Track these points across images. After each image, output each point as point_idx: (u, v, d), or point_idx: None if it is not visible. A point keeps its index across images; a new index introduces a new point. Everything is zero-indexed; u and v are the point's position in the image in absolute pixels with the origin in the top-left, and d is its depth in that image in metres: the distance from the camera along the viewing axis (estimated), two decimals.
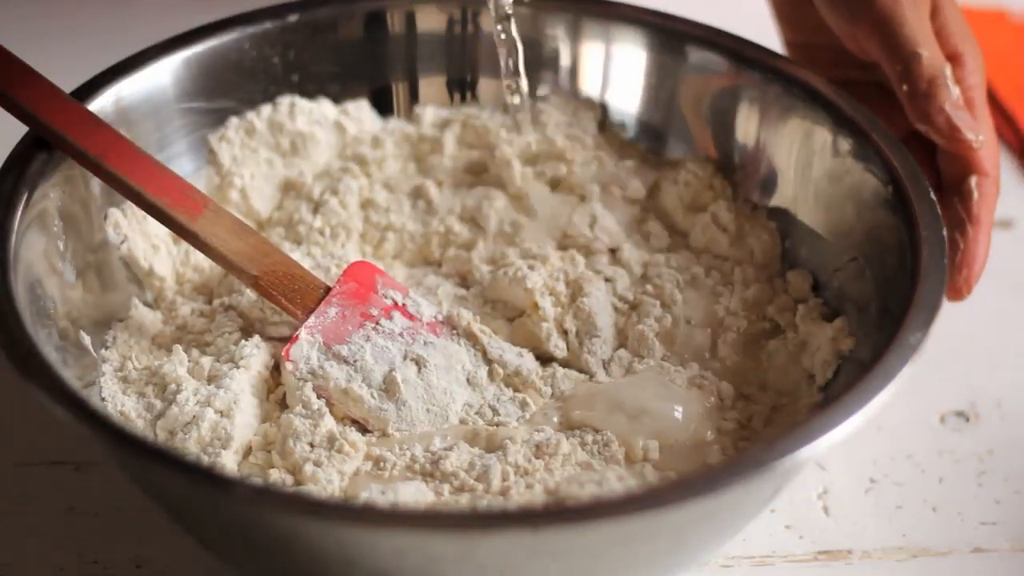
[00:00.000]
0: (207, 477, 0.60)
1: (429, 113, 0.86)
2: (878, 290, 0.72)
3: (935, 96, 0.74)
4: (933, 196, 0.72)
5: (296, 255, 0.79)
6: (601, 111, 0.86)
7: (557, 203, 0.83)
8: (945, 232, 0.70)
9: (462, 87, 0.86)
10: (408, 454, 0.70)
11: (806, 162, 0.79)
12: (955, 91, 0.74)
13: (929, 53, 0.74)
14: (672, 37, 0.83)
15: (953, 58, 0.76)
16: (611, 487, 0.67)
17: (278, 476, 0.69)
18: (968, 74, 0.76)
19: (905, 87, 0.74)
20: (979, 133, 0.74)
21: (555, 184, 0.85)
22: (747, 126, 0.81)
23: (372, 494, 0.67)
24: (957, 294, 0.74)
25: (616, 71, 0.85)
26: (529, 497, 0.67)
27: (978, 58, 0.77)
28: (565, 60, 0.85)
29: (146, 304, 0.77)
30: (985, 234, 0.74)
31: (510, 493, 0.68)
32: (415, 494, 0.67)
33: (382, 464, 0.70)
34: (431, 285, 0.80)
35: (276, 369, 0.74)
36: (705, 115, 0.83)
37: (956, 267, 0.73)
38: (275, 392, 0.73)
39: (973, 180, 0.74)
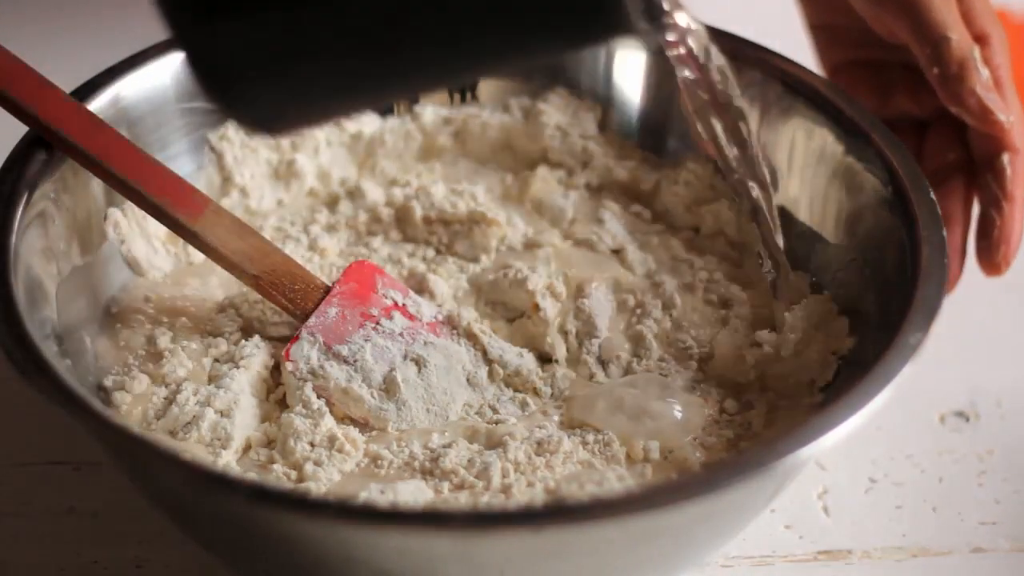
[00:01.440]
0: (208, 477, 0.60)
1: (429, 113, 0.86)
2: (878, 290, 0.72)
3: (966, 79, 0.74)
4: (933, 196, 0.72)
5: (299, 252, 0.79)
6: (601, 111, 0.86)
7: (560, 205, 0.83)
8: (945, 232, 0.70)
9: (462, 87, 0.86)
10: (406, 451, 0.70)
11: (806, 162, 0.79)
12: (984, 73, 0.75)
13: (958, 36, 0.75)
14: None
15: (980, 39, 0.76)
16: (611, 487, 0.67)
17: (280, 470, 0.69)
18: (995, 54, 0.76)
19: (936, 70, 0.75)
20: (1010, 114, 0.75)
21: (558, 185, 0.85)
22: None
23: (371, 493, 0.67)
24: (996, 270, 0.76)
25: (616, 71, 0.85)
26: (530, 496, 0.67)
27: (1003, 38, 0.77)
28: (565, 60, 0.85)
29: (146, 303, 0.77)
30: (1020, 210, 0.75)
31: (511, 491, 0.68)
32: (414, 492, 0.67)
33: (379, 462, 0.70)
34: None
35: (276, 369, 0.74)
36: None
37: (994, 244, 0.75)
38: (275, 392, 0.73)
39: (1006, 157, 0.75)
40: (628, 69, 0.84)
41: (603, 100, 0.85)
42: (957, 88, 0.75)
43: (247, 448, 0.71)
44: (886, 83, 0.80)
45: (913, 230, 0.70)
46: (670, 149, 0.84)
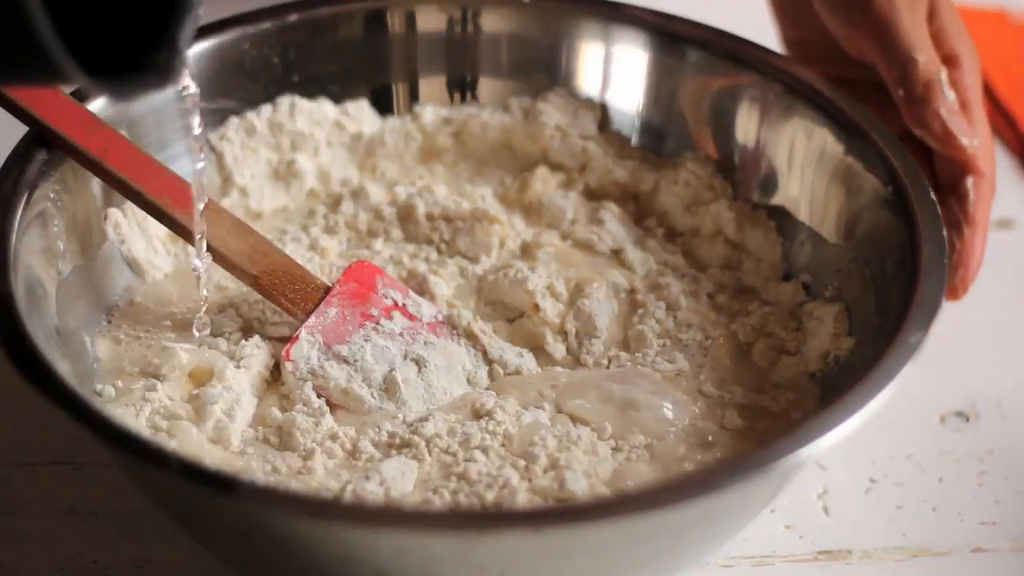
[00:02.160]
0: (207, 477, 0.60)
1: (429, 113, 0.86)
2: (878, 290, 0.72)
3: (931, 101, 0.74)
4: (933, 196, 0.72)
5: (300, 252, 0.79)
6: (601, 111, 0.86)
7: (560, 205, 0.83)
8: (945, 232, 0.70)
9: (462, 87, 0.86)
10: (384, 432, 0.70)
11: (806, 162, 0.79)
12: (950, 96, 0.75)
13: (925, 58, 0.75)
14: (672, 37, 0.83)
15: (950, 60, 0.76)
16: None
17: (283, 465, 0.69)
18: (964, 75, 0.76)
19: (901, 92, 0.75)
20: (974, 137, 0.75)
21: (558, 185, 0.85)
22: (747, 126, 0.81)
23: (356, 483, 0.67)
24: (953, 294, 0.75)
25: (616, 71, 0.85)
26: (509, 458, 0.68)
27: (974, 58, 0.77)
28: (565, 60, 0.85)
29: (146, 303, 0.77)
30: (981, 234, 0.75)
31: (489, 452, 0.68)
32: (398, 467, 0.67)
33: (357, 454, 0.69)
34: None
35: (276, 369, 0.74)
36: (705, 115, 0.83)
37: (952, 267, 0.74)
38: (276, 392, 0.73)
39: (970, 181, 0.75)
40: (628, 69, 0.84)
41: (603, 100, 0.86)
42: (921, 111, 0.75)
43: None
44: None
45: (913, 230, 0.70)
46: (669, 149, 0.84)
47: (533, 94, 0.86)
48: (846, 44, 0.78)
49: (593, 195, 0.84)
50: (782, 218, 0.80)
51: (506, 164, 0.86)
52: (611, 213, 0.83)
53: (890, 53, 0.75)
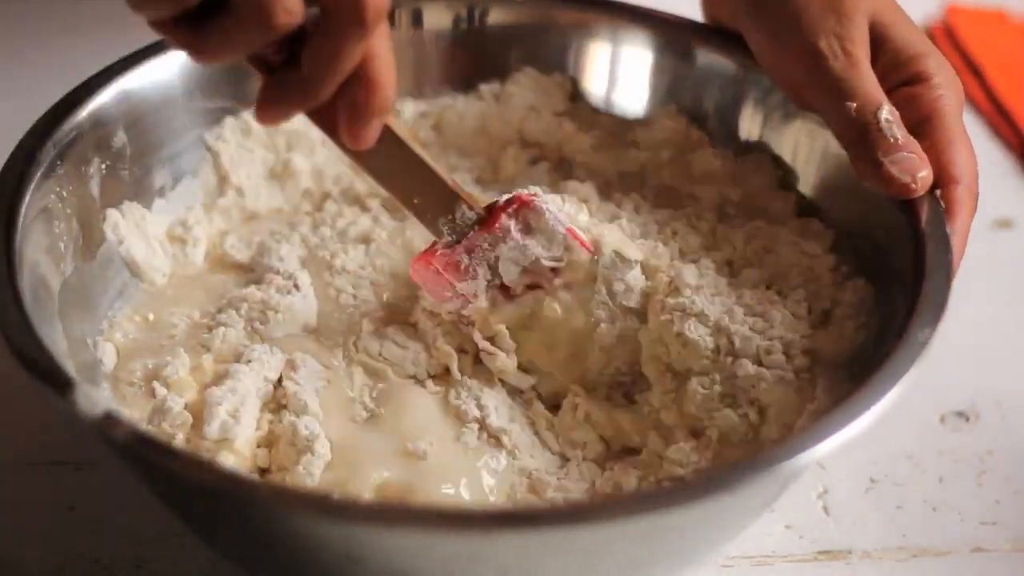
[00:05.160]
0: (225, 479, 0.60)
1: (408, 109, 0.86)
2: (881, 290, 0.72)
3: (867, 147, 0.71)
4: (936, 193, 0.71)
5: (295, 252, 0.79)
6: (571, 84, 0.85)
7: (534, 180, 0.83)
8: (949, 229, 0.70)
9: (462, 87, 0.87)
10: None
11: (809, 162, 0.79)
12: (890, 132, 0.70)
13: (858, 103, 0.71)
14: (677, 38, 0.83)
15: (916, 78, 0.73)
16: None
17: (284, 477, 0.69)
18: (932, 88, 0.72)
19: (843, 145, 0.72)
20: (919, 171, 0.70)
21: (529, 161, 0.85)
22: (751, 127, 0.81)
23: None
24: None
25: (618, 71, 0.85)
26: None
27: (944, 71, 0.73)
28: (569, 60, 0.85)
29: (147, 304, 0.77)
30: (959, 246, 0.70)
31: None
32: None
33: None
34: None
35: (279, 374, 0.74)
36: (709, 115, 0.83)
37: None
38: (278, 396, 0.73)
39: (939, 192, 0.71)
40: (629, 69, 0.84)
41: (573, 74, 0.85)
42: (858, 160, 0.71)
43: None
44: None
45: (916, 228, 0.70)
46: (645, 113, 0.84)
47: (502, 77, 0.86)
48: (800, 107, 0.76)
49: (573, 168, 0.85)
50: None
51: (484, 149, 0.87)
52: (592, 187, 0.83)
53: (826, 107, 0.73)
